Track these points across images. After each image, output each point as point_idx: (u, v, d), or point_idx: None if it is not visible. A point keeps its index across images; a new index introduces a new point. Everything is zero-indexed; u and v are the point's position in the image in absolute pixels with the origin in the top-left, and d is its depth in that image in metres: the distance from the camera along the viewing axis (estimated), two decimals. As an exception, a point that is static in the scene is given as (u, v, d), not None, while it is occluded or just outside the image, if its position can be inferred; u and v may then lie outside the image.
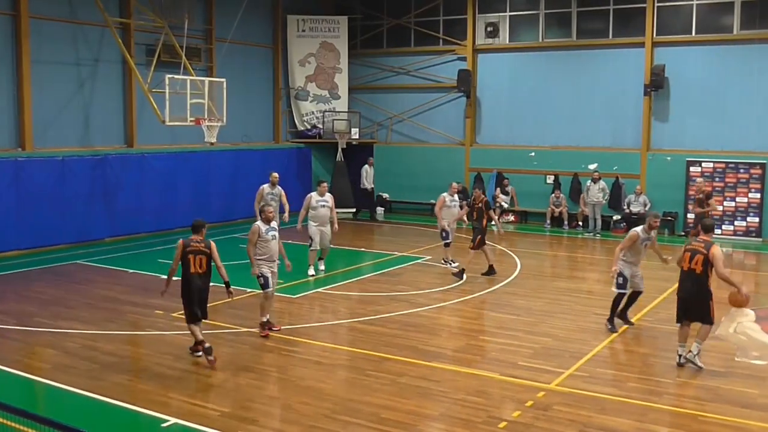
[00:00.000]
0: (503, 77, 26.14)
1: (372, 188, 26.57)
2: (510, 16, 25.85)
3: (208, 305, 10.98)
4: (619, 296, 12.37)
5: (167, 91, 19.34)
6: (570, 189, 24.56)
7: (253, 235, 12.00)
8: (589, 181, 23.25)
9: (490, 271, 16.60)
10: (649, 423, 8.71)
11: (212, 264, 10.88)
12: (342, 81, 28.59)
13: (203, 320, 10.94)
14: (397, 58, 28.10)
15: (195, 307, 10.76)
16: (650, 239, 12.25)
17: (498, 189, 25.52)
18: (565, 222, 24.08)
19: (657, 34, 23.31)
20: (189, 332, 10.89)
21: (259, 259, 12.06)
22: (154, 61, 20.80)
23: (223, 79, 21.13)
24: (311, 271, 16.58)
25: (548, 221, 24.35)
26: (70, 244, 19.70)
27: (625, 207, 23.35)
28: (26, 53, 19.26)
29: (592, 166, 23.91)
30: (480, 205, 16.52)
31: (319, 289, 15.35)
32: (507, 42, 25.94)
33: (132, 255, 18.96)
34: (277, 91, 27.78)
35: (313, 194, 16.73)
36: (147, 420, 8.80)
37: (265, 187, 17.85)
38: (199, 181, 23.29)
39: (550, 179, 24.95)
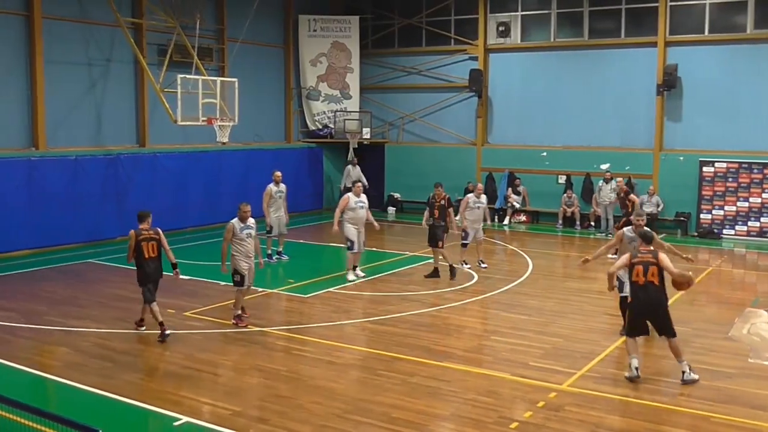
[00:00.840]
0: (515, 77, 26.08)
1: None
2: (521, 15, 25.79)
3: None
4: (623, 300, 11.85)
5: (179, 90, 19.39)
6: (582, 189, 24.48)
7: (228, 233, 12.41)
8: (601, 181, 23.16)
9: (453, 271, 16.35)
10: (661, 424, 8.67)
11: (161, 248, 12.00)
12: (353, 81, 28.60)
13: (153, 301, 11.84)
14: (408, 57, 28.08)
15: (151, 288, 11.89)
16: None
17: (509, 189, 25.47)
18: (577, 222, 24.01)
19: (669, 34, 23.20)
20: (199, 330, 10.91)
21: (235, 255, 12.42)
22: (166, 61, 20.86)
23: (234, 79, 21.18)
24: (351, 276, 16.09)
25: (560, 221, 24.29)
26: (82, 243, 19.78)
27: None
28: (39, 53, 19.36)
29: (604, 166, 23.82)
30: (442, 202, 16.43)
31: (330, 289, 15.35)
32: (518, 42, 25.89)
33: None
34: (289, 90, 27.82)
35: (350, 195, 16.19)
36: (159, 418, 8.82)
37: (272, 186, 17.89)
38: (211, 181, 23.36)
39: (562, 179, 24.88)
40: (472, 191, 17.99)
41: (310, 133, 28.50)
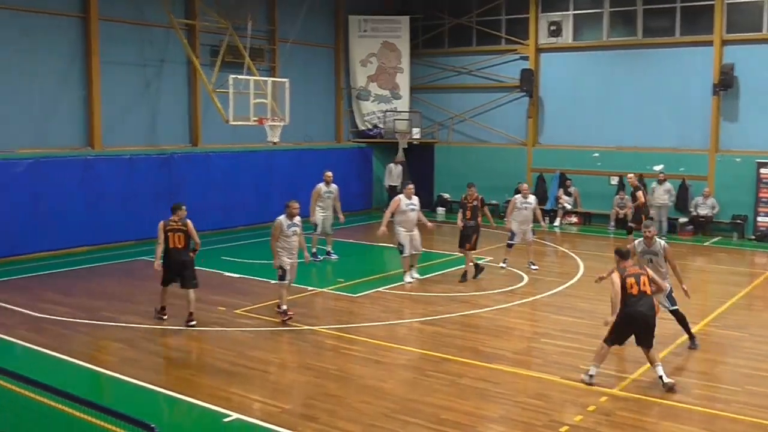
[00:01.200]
0: (566, 77, 25.82)
1: (395, 186, 25.99)
2: (573, 14, 25.52)
3: (196, 279, 12.89)
4: (675, 312, 11.39)
5: (231, 91, 19.60)
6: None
7: (275, 230, 12.71)
8: (655, 182, 22.80)
9: (478, 270, 16.22)
10: (716, 431, 8.49)
11: (190, 239, 12.76)
12: (403, 81, 28.60)
13: (186, 288, 12.67)
14: (458, 57, 27.99)
15: (172, 275, 12.72)
16: (654, 253, 11.30)
17: (561, 190, 25.21)
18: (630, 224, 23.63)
19: (726, 32, 22.74)
20: (250, 328, 11.01)
21: (279, 251, 12.67)
22: (219, 62, 21.12)
23: (285, 79, 21.34)
24: (407, 278, 15.90)
25: (612, 223, 23.94)
26: (137, 240, 20.09)
27: (693, 210, 22.86)
28: (95, 54, 19.75)
29: (657, 167, 23.44)
30: (474, 203, 16.28)
31: (379, 289, 15.37)
32: (570, 41, 25.62)
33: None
34: (339, 90, 27.94)
35: (401, 197, 15.91)
36: (209, 414, 8.92)
37: (321, 186, 18.08)
38: (261, 180, 23.55)
39: (614, 180, 24.55)
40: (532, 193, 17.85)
41: (359, 133, 28.58)
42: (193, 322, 12.47)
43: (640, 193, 19.06)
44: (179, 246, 12.64)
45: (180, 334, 12.14)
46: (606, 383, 9.88)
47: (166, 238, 12.60)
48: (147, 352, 11.23)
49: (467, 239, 16.15)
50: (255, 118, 20.04)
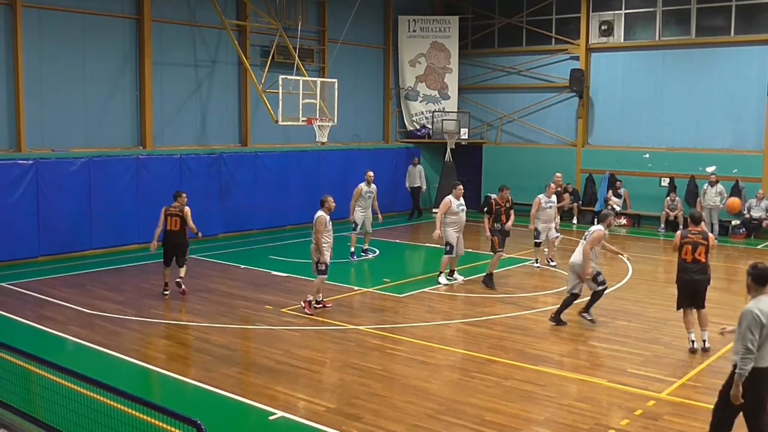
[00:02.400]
0: (617, 77, 25.49)
1: (418, 187, 26.06)
2: (625, 14, 25.19)
3: (187, 257, 14.71)
4: (599, 293, 12.75)
5: (280, 91, 19.77)
6: (686, 192, 23.69)
7: (321, 225, 13.20)
8: (706, 184, 22.39)
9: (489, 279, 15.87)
10: (767, 438, 8.32)
11: (185, 224, 14.31)
12: (452, 81, 28.53)
13: (180, 267, 14.44)
14: (508, 57, 27.82)
15: (169, 256, 14.44)
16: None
17: (610, 191, 24.89)
18: (681, 226, 23.22)
19: (783, 31, 22.26)
20: (296, 327, 11.09)
21: (325, 246, 13.28)
22: (269, 62, 21.30)
23: (334, 80, 21.47)
24: (443, 279, 15.79)
25: (663, 225, 23.56)
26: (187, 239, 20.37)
27: (746, 212, 22.38)
28: (148, 55, 20.09)
29: (709, 169, 23.01)
30: (507, 205, 16.09)
31: (425, 289, 15.36)
32: (622, 41, 25.29)
33: (244, 251, 19.49)
34: (387, 91, 27.99)
35: (451, 198, 15.75)
36: (255, 412, 9.03)
37: (363, 185, 18.35)
38: (310, 180, 23.67)
39: (665, 182, 24.16)
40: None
41: (408, 134, 28.59)
42: (183, 288, 14.33)
43: (566, 195, 19.14)
44: (175, 229, 14.30)
45: (227, 332, 12.28)
46: (654, 387, 9.75)
47: (166, 221, 14.33)
48: (194, 349, 11.39)
49: (504, 243, 16.08)
50: (304, 119, 20.20)
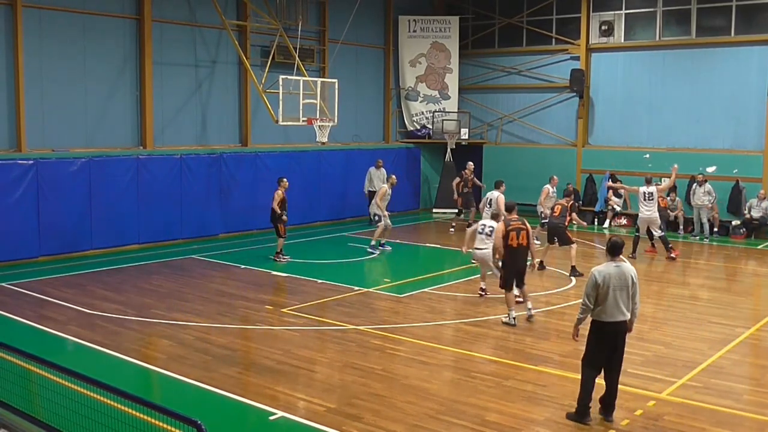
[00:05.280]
0: (618, 77, 25.49)
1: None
2: (626, 14, 25.18)
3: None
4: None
5: (281, 91, 19.77)
6: (686, 192, 23.67)
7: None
8: (695, 183, 22.36)
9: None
10: (768, 438, 8.33)
11: None
12: (452, 81, 28.53)
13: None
14: (508, 57, 27.81)
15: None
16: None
17: (610, 191, 24.88)
18: (681, 226, 23.22)
19: (784, 31, 22.24)
20: (296, 327, 11.08)
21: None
22: (269, 62, 21.30)
23: (335, 80, 21.47)
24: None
25: (663, 225, 23.48)
26: (187, 239, 20.41)
27: (746, 212, 22.37)
28: (148, 55, 20.08)
29: (710, 169, 23.00)
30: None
31: (425, 289, 15.36)
32: (622, 41, 25.28)
33: (244, 251, 19.49)
34: (388, 91, 27.99)
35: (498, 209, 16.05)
36: (255, 412, 9.02)
37: (386, 187, 19.64)
38: (310, 180, 23.68)
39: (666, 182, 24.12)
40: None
41: (408, 134, 28.59)
42: None
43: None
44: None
45: (227, 333, 12.28)
46: (654, 387, 9.74)
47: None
48: (194, 349, 11.38)
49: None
50: (304, 119, 20.20)
